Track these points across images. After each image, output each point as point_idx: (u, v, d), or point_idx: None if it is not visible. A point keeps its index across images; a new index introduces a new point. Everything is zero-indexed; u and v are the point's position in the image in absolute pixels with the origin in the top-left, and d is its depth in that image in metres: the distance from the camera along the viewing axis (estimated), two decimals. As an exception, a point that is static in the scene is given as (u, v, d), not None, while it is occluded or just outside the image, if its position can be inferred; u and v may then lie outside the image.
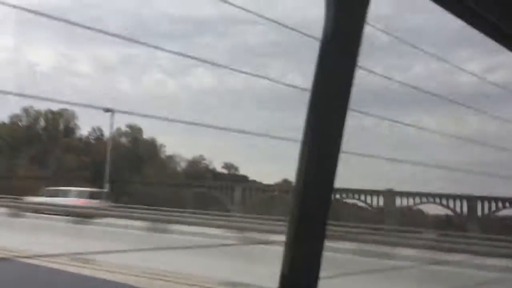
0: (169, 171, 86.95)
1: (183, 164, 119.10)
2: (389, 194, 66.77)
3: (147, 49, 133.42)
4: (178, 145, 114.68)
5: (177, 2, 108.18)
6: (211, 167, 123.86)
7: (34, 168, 68.93)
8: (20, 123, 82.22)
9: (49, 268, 12.58)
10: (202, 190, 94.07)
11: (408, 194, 67.20)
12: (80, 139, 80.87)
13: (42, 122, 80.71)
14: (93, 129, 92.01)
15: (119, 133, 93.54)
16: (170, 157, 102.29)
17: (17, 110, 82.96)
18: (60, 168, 69.62)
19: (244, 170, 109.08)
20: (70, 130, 78.25)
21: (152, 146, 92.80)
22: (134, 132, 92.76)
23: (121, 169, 76.87)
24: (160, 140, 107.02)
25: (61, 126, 79.38)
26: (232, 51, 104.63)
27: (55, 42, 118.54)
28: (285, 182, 77.12)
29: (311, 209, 1.58)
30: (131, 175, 78.16)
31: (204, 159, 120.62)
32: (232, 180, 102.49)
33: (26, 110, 79.55)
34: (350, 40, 1.60)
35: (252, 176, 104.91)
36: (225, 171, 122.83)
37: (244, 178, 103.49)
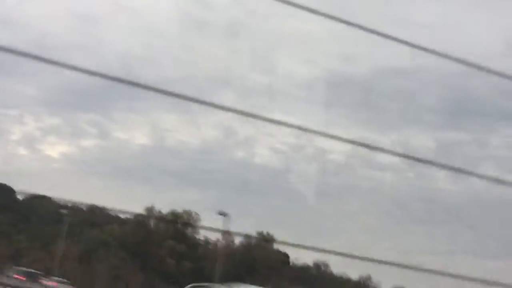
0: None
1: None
2: None
3: (477, 133, 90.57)
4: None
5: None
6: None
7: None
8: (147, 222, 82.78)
9: None
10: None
11: None
12: (192, 244, 78.70)
13: (161, 224, 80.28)
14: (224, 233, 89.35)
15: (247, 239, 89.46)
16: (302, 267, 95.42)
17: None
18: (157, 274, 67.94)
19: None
20: (180, 233, 76.18)
21: (278, 255, 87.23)
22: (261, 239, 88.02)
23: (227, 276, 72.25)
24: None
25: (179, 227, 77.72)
26: None
27: (353, 123, 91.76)
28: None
29: None
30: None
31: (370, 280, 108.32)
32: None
33: (148, 210, 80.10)
34: None
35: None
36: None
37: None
